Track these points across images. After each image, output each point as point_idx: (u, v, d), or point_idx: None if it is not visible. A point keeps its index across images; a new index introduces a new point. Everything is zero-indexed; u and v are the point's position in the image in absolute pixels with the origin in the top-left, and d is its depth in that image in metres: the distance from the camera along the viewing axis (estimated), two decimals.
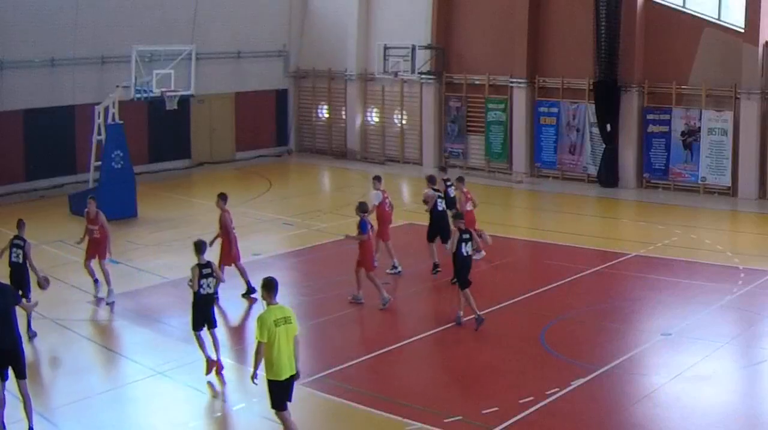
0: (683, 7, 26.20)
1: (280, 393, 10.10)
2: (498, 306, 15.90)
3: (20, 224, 14.66)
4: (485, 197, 26.78)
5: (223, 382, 12.66)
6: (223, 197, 16.74)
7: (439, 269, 17.96)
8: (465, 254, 14.91)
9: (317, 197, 27.40)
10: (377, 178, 18.51)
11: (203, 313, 12.78)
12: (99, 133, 23.89)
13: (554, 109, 28.42)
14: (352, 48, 32.92)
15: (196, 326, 12.77)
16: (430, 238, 18.32)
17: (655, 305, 16.03)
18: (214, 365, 12.67)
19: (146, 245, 20.38)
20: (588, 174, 27.94)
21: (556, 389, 12.04)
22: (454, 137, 30.83)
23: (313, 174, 31.53)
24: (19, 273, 14.25)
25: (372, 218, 16.94)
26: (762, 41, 24.41)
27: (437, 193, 18.38)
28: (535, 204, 26.67)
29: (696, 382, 12.40)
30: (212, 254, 14.37)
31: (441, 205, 18.23)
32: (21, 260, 14.28)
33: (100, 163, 23.63)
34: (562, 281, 17.40)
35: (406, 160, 32.27)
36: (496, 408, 11.50)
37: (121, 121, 23.92)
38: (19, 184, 26.61)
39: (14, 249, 14.36)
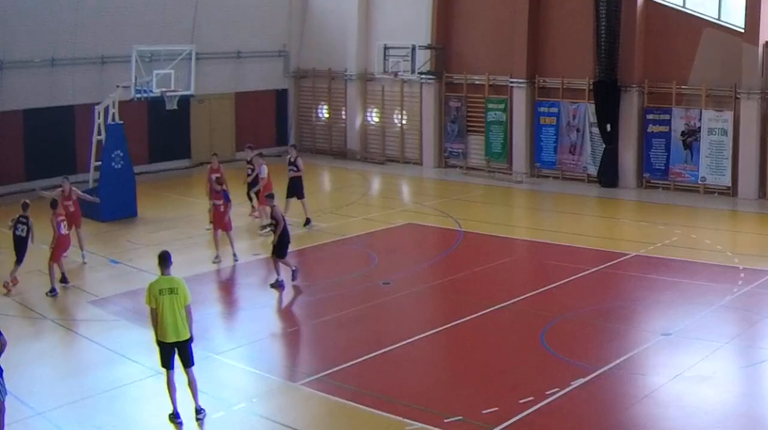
0: (683, 7, 26.19)
1: (165, 353, 11.33)
2: (498, 306, 15.89)
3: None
4: (485, 197, 26.90)
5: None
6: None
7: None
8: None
9: (317, 197, 27.35)
10: (215, 155, 22.98)
11: (19, 250, 17.17)
12: (99, 133, 23.87)
13: (554, 109, 28.41)
14: (352, 48, 32.93)
15: (18, 260, 17.16)
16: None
17: (655, 305, 16.02)
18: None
19: (146, 245, 20.38)
20: (588, 174, 27.94)
21: (556, 389, 12.04)
22: (454, 137, 30.84)
23: (313, 174, 31.47)
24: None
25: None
26: (762, 41, 24.40)
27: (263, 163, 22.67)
28: (535, 204, 26.67)
29: (696, 382, 12.39)
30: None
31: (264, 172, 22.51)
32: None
33: (100, 163, 23.61)
34: (562, 281, 17.40)
35: (406, 161, 32.27)
36: (496, 408, 11.50)
37: (121, 121, 23.91)
38: (19, 184, 26.58)
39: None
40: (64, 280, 17.49)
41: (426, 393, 12.29)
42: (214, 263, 19.03)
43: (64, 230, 17.52)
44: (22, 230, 17.23)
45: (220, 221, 19.47)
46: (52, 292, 16.96)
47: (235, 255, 19.26)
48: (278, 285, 17.25)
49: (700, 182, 25.88)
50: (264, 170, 21.91)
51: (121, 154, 23.55)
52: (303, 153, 34.44)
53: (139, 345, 13.78)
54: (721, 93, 25.32)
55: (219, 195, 19.56)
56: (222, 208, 19.45)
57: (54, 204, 17.69)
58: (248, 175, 22.75)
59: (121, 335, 14.84)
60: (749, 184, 24.91)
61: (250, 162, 22.88)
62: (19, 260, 17.25)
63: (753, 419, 11.29)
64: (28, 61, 26.60)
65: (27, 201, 17.73)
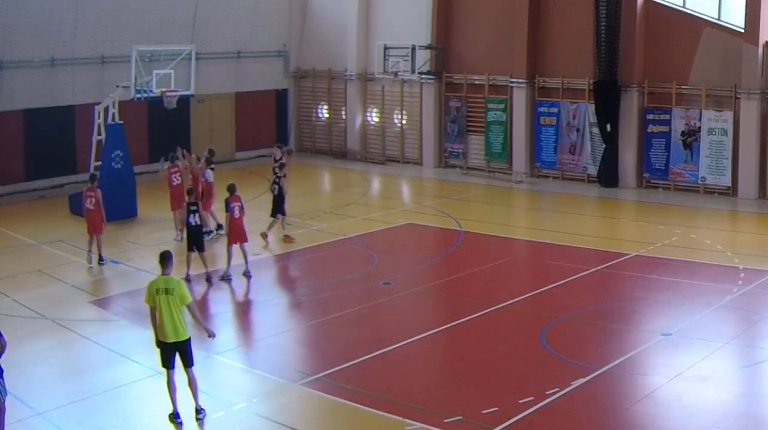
0: (683, 7, 26.20)
1: (165, 353, 11.33)
2: (498, 306, 15.89)
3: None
4: (485, 197, 26.90)
5: None
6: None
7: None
8: (193, 223, 17.44)
9: (317, 197, 27.39)
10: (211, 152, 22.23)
11: (275, 203, 20.13)
12: (99, 133, 23.89)
13: (554, 109, 28.42)
14: (352, 48, 32.93)
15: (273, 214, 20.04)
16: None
17: (655, 305, 16.03)
18: None
19: (146, 245, 20.39)
20: (588, 174, 27.94)
21: (556, 389, 12.03)
22: (454, 137, 30.84)
23: (313, 174, 31.53)
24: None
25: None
26: (762, 41, 24.41)
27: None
28: (535, 204, 26.67)
29: (696, 382, 12.40)
30: None
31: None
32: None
33: (100, 163, 23.62)
34: (562, 281, 17.40)
35: (406, 161, 32.28)
36: (496, 408, 11.50)
37: (121, 121, 23.92)
38: (19, 184, 26.60)
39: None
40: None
41: (426, 393, 12.28)
42: (222, 279, 17.85)
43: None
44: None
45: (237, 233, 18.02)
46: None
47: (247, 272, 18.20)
48: (188, 279, 17.13)
49: (700, 182, 25.89)
50: (210, 175, 21.04)
51: (121, 154, 23.55)
52: (303, 153, 34.67)
53: (139, 345, 13.79)
54: (721, 93, 25.33)
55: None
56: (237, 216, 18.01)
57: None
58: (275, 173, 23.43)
59: (121, 335, 14.84)
60: (749, 184, 24.92)
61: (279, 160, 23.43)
62: (274, 213, 20.58)
63: (753, 419, 11.29)
64: (28, 61, 26.61)
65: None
